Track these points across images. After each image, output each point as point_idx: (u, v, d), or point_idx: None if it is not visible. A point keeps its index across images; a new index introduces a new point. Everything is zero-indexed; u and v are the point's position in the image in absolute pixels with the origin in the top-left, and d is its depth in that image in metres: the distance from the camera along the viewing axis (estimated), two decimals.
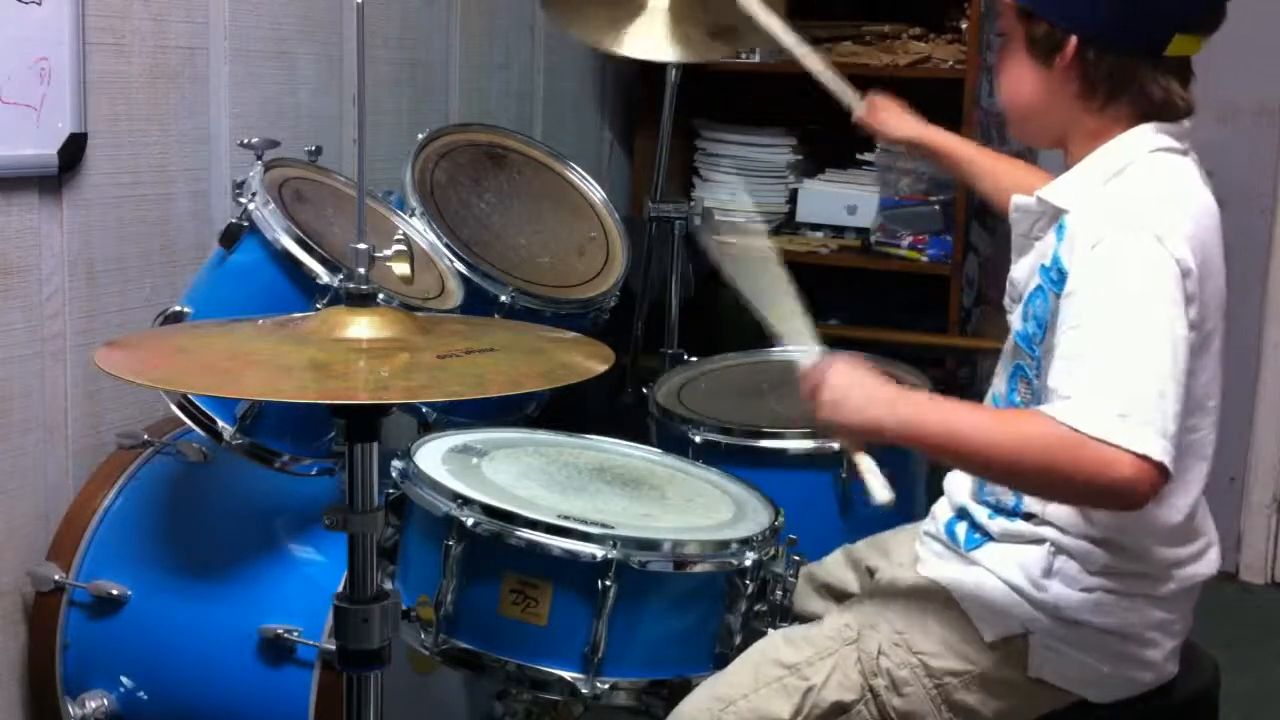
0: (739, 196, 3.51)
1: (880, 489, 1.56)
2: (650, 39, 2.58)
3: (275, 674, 1.94)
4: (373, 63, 2.72)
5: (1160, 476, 1.35)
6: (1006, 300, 1.69)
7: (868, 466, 1.58)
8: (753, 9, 2.24)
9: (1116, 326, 1.41)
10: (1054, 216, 1.58)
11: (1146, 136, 1.55)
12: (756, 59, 3.43)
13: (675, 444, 2.12)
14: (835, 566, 1.88)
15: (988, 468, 1.49)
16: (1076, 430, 1.35)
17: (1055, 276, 1.51)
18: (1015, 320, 1.62)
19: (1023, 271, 1.63)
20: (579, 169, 2.58)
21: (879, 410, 1.48)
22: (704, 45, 2.61)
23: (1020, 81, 1.61)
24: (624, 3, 2.59)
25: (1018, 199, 1.66)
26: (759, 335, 3.31)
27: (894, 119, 2.15)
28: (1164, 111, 1.56)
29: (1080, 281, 1.46)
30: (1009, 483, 1.54)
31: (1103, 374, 1.38)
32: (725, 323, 3.35)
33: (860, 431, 1.52)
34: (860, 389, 1.50)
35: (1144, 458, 1.33)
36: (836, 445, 1.62)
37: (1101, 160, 1.56)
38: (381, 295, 1.58)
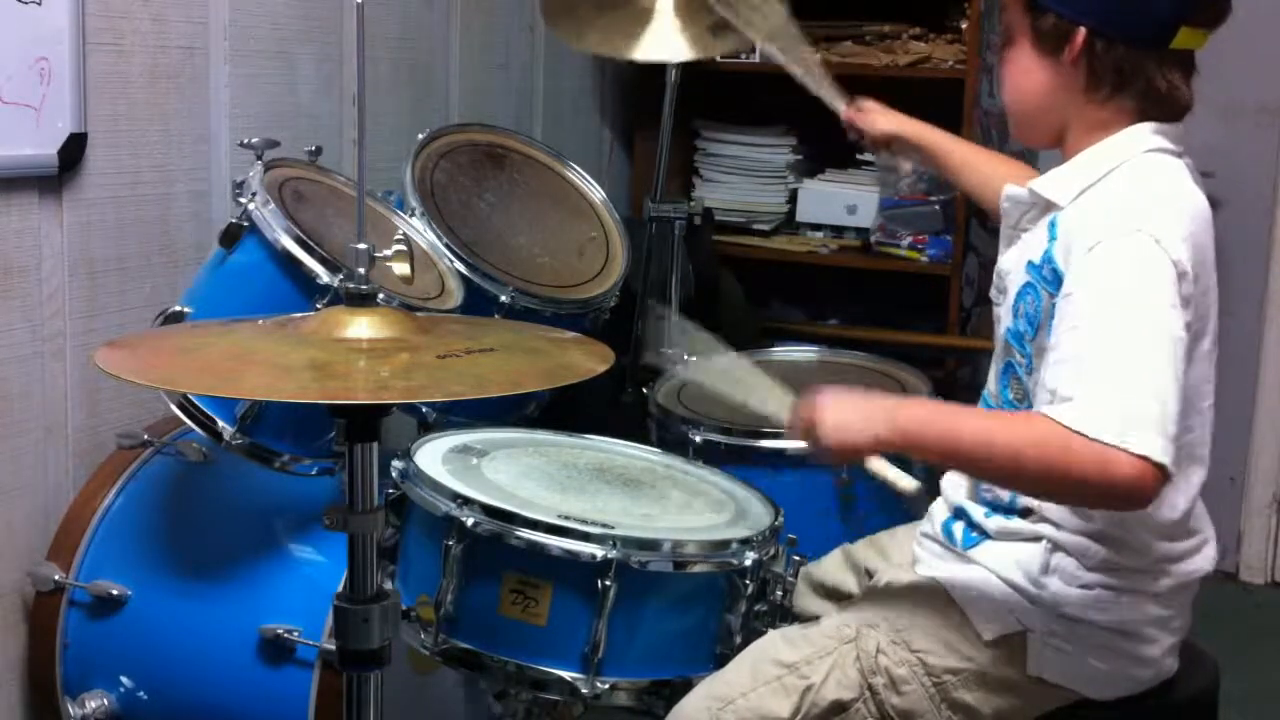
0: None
1: (906, 481, 1.58)
2: (653, 41, 2.59)
3: (275, 674, 1.94)
4: (373, 63, 2.72)
5: (1161, 476, 1.35)
6: (993, 290, 1.69)
7: (884, 467, 1.58)
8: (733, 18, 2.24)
9: (1115, 328, 1.41)
10: (1045, 209, 1.59)
11: (1142, 136, 1.56)
12: (756, 59, 3.43)
13: (675, 444, 2.12)
14: (834, 567, 1.88)
15: (989, 471, 1.49)
16: (1077, 432, 1.35)
17: (1048, 275, 1.52)
18: (1005, 315, 1.63)
19: (1010, 263, 1.63)
20: (579, 169, 2.58)
21: (878, 425, 1.47)
22: (706, 41, 2.61)
23: (1026, 77, 1.61)
24: (625, 9, 2.60)
25: (1010, 189, 1.67)
26: (759, 335, 3.32)
27: (878, 116, 2.15)
28: (1166, 106, 1.56)
29: (1077, 283, 1.46)
30: (1010, 485, 1.55)
31: (1102, 376, 1.38)
32: (725, 323, 3.35)
33: (866, 448, 1.52)
34: (856, 409, 1.50)
35: (1144, 458, 1.34)
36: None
37: (1096, 157, 1.57)
38: (381, 295, 1.58)
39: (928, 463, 1.69)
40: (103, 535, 2.08)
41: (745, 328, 3.41)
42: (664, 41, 2.59)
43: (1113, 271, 1.44)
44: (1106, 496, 1.39)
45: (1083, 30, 1.54)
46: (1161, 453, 1.34)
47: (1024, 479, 1.45)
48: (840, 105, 2.16)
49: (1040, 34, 1.58)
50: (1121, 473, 1.34)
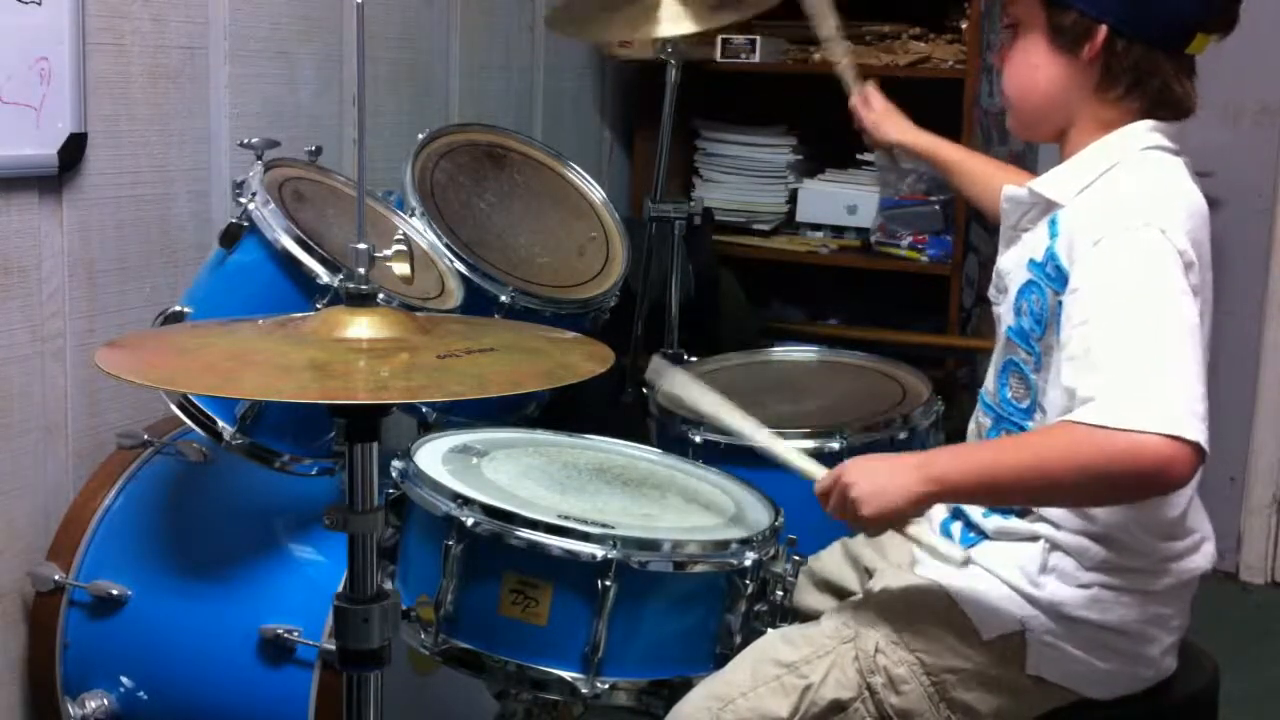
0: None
1: (951, 550, 1.57)
2: (657, 24, 2.61)
3: (275, 674, 1.94)
4: (373, 63, 2.72)
5: (1195, 453, 1.34)
6: (992, 290, 1.70)
7: (924, 536, 1.57)
8: None
9: (1128, 318, 1.41)
10: (1045, 209, 1.59)
11: (1140, 134, 1.56)
12: (756, 59, 3.43)
13: (675, 444, 2.12)
14: (835, 563, 1.88)
15: (1032, 493, 1.50)
16: (1102, 427, 1.35)
17: (1052, 273, 1.52)
18: (1005, 314, 1.63)
19: (1010, 263, 1.64)
20: (579, 169, 2.58)
21: (913, 482, 1.47)
22: (708, 16, 2.62)
23: (1036, 72, 1.61)
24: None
25: (1009, 189, 1.67)
26: (759, 335, 3.32)
27: (884, 120, 2.15)
28: (1174, 108, 1.57)
29: (1085, 278, 1.46)
30: (1055, 501, 1.54)
31: (1120, 366, 1.38)
32: (725, 323, 3.35)
33: (906, 512, 1.51)
34: (886, 472, 1.50)
35: (1175, 437, 1.33)
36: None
37: (1095, 155, 1.57)
38: (381, 295, 1.58)
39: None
40: (103, 535, 2.08)
41: (745, 328, 3.42)
42: (665, 23, 2.60)
43: (1120, 264, 1.44)
44: (1146, 484, 1.38)
45: (1104, 28, 1.54)
46: (1192, 430, 1.34)
47: (1066, 491, 1.45)
48: (856, 88, 2.16)
49: (1059, 30, 1.57)
50: (1153, 456, 1.33)
